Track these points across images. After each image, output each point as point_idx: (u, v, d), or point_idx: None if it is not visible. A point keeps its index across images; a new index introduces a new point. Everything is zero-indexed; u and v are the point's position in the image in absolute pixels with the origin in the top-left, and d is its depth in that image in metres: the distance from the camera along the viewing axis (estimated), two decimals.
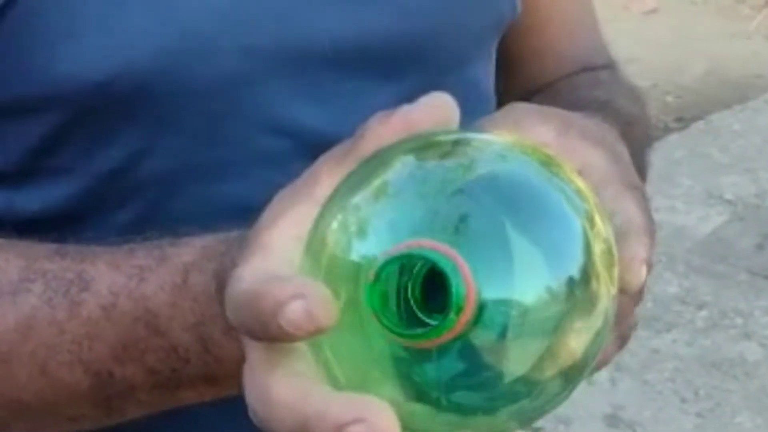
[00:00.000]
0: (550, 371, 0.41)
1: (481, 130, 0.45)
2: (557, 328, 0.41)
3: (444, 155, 0.43)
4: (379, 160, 0.44)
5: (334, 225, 0.42)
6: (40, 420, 0.62)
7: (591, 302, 0.41)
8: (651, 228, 0.54)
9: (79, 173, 0.67)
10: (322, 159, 0.48)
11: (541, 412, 0.43)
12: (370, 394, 0.40)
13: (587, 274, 0.41)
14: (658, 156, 3.59)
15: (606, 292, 0.42)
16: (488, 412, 0.42)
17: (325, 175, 0.47)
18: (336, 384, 0.42)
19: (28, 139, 0.66)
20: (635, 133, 0.69)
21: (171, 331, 0.56)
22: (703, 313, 2.85)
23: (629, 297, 0.53)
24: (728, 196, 3.38)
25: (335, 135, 0.57)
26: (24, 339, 0.59)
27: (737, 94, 4.15)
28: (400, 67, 0.70)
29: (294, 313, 0.40)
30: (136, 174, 0.67)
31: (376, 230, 0.41)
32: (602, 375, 2.61)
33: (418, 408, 0.41)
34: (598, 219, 0.43)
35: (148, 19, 0.64)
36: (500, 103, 0.79)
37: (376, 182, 0.42)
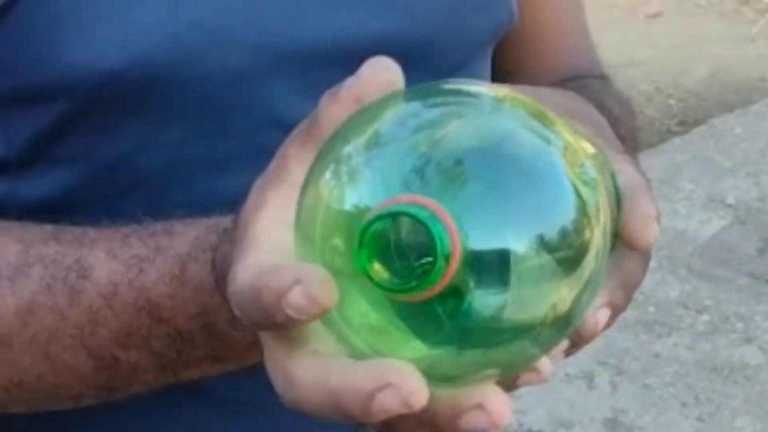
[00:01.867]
0: (540, 317, 0.42)
1: (475, 82, 0.45)
2: (548, 276, 0.41)
3: (436, 105, 0.44)
4: (369, 114, 0.45)
5: (327, 177, 0.43)
6: (40, 401, 0.62)
7: (580, 252, 0.42)
8: (650, 185, 0.55)
9: (83, 163, 0.67)
10: (287, 143, 0.49)
11: (533, 357, 0.44)
12: (393, 354, 0.41)
13: (575, 226, 0.42)
14: (660, 160, 3.59)
15: (595, 243, 0.42)
16: (494, 345, 0.42)
17: (292, 160, 0.48)
18: (358, 353, 0.42)
19: (33, 128, 0.66)
20: (620, 133, 0.70)
21: (174, 319, 0.57)
22: (704, 317, 2.85)
23: (641, 255, 0.55)
24: (730, 200, 3.38)
25: None
26: (24, 324, 0.59)
27: (740, 98, 4.15)
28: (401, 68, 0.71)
29: (296, 299, 0.40)
30: (139, 165, 0.67)
31: (367, 181, 0.42)
32: (603, 379, 2.61)
33: (441, 353, 0.42)
34: (589, 173, 0.43)
35: (159, 11, 0.64)
36: None
37: (367, 133, 0.43)
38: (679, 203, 3.36)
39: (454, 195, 0.40)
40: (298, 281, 0.40)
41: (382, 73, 0.48)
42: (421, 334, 0.42)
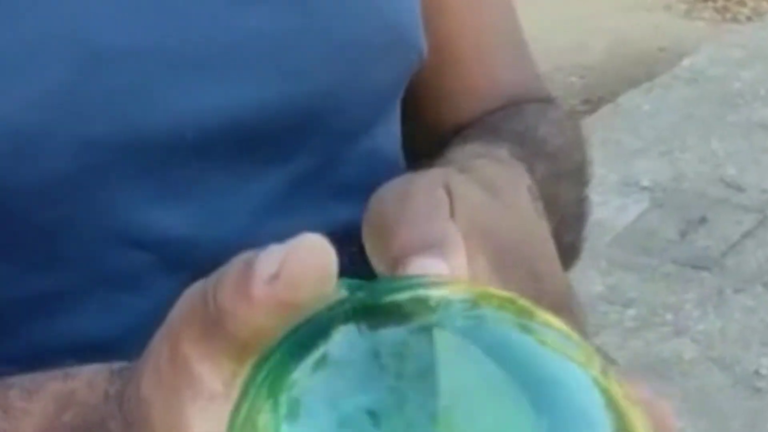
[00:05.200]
0: None
1: (430, 281, 0.39)
2: None
3: (398, 320, 0.37)
4: (311, 329, 0.38)
5: (270, 413, 0.37)
6: None
7: None
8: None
9: None
10: (178, 337, 0.41)
11: None
12: None
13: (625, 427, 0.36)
14: None
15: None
16: None
17: (195, 362, 0.40)
18: None
19: None
20: (560, 166, 0.66)
21: None
22: (631, 311, 2.80)
23: None
24: (645, 182, 3.32)
25: (205, 243, 0.54)
26: None
27: (643, 70, 4.14)
28: (286, 146, 0.62)
29: None
30: None
31: (321, 416, 0.36)
32: None
33: None
34: (612, 376, 0.37)
35: None
36: (409, 147, 0.73)
37: (314, 356, 0.37)
38: (592, 190, 3.22)
39: None
40: None
41: (310, 264, 0.37)
42: None
